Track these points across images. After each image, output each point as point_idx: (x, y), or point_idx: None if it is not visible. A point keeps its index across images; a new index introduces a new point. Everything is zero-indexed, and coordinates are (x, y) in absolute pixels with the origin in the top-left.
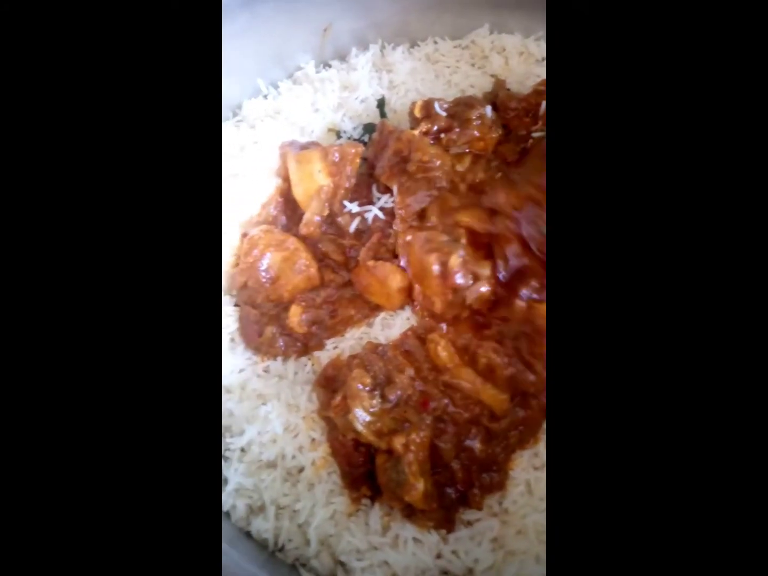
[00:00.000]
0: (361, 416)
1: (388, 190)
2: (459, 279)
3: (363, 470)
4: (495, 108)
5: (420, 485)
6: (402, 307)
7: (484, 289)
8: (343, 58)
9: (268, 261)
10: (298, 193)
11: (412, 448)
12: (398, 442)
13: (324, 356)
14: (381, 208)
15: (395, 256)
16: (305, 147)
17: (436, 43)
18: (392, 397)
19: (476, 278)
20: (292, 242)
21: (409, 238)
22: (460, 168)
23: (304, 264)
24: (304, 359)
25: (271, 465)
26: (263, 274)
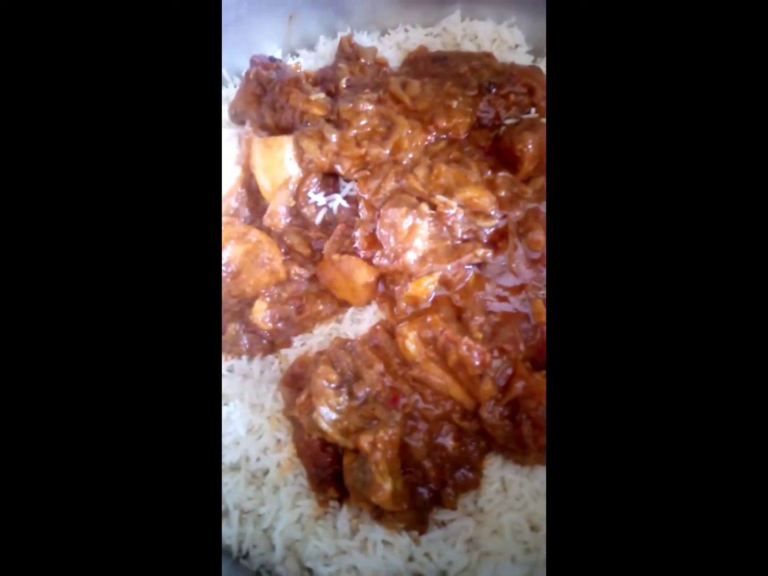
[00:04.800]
0: (327, 414)
1: None
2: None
3: (330, 471)
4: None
5: (387, 485)
6: (368, 303)
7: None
8: (311, 46)
9: (228, 254)
10: (264, 182)
11: (380, 446)
12: (365, 441)
13: (292, 354)
14: (346, 197)
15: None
16: (271, 134)
17: (407, 31)
18: (360, 393)
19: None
20: (255, 234)
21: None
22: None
23: (268, 257)
24: (270, 357)
25: (235, 468)
26: (223, 268)
